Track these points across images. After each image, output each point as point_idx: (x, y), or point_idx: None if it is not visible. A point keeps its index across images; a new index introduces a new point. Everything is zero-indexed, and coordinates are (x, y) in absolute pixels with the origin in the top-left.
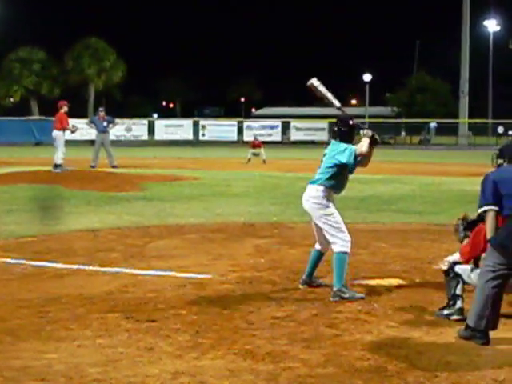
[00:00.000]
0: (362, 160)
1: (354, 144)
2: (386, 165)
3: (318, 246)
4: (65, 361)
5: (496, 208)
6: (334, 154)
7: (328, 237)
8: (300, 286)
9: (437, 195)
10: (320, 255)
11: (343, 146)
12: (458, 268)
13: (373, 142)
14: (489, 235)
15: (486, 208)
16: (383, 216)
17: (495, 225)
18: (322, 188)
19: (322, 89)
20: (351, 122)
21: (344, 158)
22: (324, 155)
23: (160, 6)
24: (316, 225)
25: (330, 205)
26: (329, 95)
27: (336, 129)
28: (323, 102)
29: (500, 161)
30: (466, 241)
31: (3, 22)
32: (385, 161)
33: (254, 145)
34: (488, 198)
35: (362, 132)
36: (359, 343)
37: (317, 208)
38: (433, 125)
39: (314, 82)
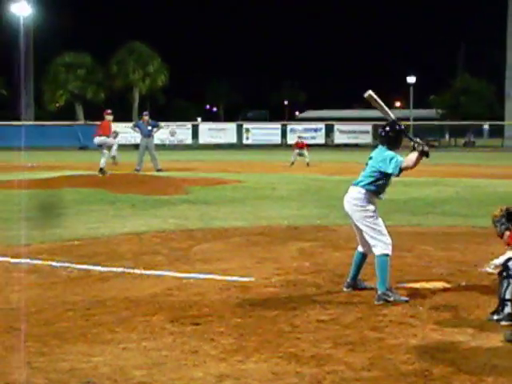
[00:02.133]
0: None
1: (399, 151)
2: (430, 167)
3: (360, 249)
4: (110, 363)
5: None
6: (380, 159)
7: (369, 239)
8: (344, 289)
9: (482, 198)
10: (363, 257)
11: (390, 154)
12: (511, 266)
13: (422, 155)
14: None
15: None
16: (428, 218)
17: None
18: (364, 191)
19: (379, 100)
20: (398, 127)
21: (389, 169)
22: (370, 158)
23: (204, 10)
24: (357, 227)
25: (372, 207)
26: (385, 107)
27: (383, 134)
28: (381, 112)
29: None
30: (507, 233)
31: (49, 28)
32: (429, 163)
33: (299, 145)
34: None
35: (412, 144)
36: (404, 347)
37: (358, 210)
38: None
39: (372, 93)
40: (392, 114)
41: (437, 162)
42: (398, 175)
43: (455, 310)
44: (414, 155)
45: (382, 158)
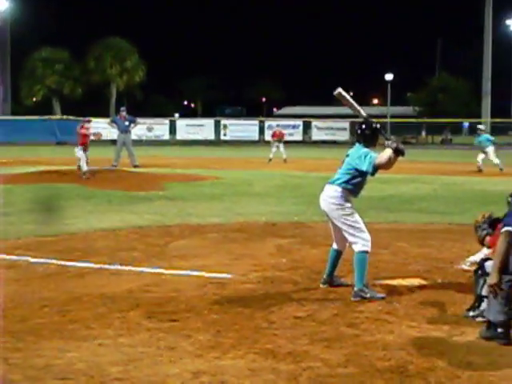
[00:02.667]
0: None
1: (375, 149)
2: (408, 164)
3: (335, 246)
4: (86, 360)
5: None
6: (356, 156)
7: (348, 237)
8: (321, 286)
9: (459, 195)
10: (338, 254)
11: (365, 151)
12: (487, 265)
13: (396, 154)
14: (499, 257)
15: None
16: (404, 216)
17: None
18: (340, 189)
19: (349, 98)
20: (375, 125)
21: (364, 167)
22: (346, 156)
23: (181, 6)
24: (333, 224)
25: (349, 205)
26: (356, 105)
27: (359, 131)
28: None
29: None
30: (488, 238)
31: (27, 22)
32: (406, 160)
33: (276, 135)
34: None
35: (386, 143)
36: (380, 343)
37: (336, 208)
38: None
39: (341, 91)
40: (363, 112)
41: (414, 159)
42: (373, 174)
43: (431, 306)
44: (386, 152)
45: (358, 155)
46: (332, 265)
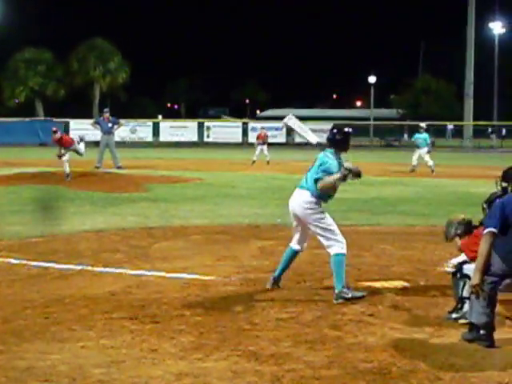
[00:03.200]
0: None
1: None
2: (391, 167)
3: (295, 246)
4: (68, 361)
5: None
6: (317, 165)
7: (322, 240)
8: (268, 287)
9: (442, 197)
10: (296, 254)
11: (324, 164)
12: (466, 268)
13: (344, 178)
14: (481, 258)
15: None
16: (387, 218)
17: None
18: (312, 194)
19: (298, 128)
20: (346, 130)
21: (315, 175)
22: (315, 160)
23: (164, 8)
24: (300, 226)
25: (321, 208)
26: (305, 133)
27: (331, 137)
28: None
29: (504, 184)
30: (459, 241)
31: (9, 23)
32: (389, 163)
33: (261, 137)
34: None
35: (344, 164)
36: (363, 345)
37: (310, 213)
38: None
39: (288, 120)
40: (313, 138)
41: (397, 161)
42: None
43: (414, 308)
44: (332, 176)
45: (319, 163)
46: (286, 264)
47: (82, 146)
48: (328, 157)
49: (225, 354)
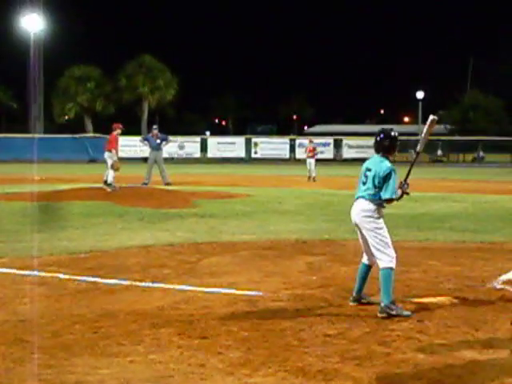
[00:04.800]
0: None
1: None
2: (439, 182)
3: (366, 261)
4: (117, 376)
5: None
6: (381, 175)
7: (375, 252)
8: (350, 304)
9: (490, 213)
10: (368, 269)
11: (388, 173)
12: None
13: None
14: None
15: None
16: (435, 234)
17: None
18: (372, 202)
19: (425, 129)
20: (393, 134)
21: (387, 194)
22: (368, 170)
23: (213, 25)
24: (364, 239)
25: (381, 219)
26: (423, 139)
27: (379, 141)
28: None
29: None
30: None
31: (60, 41)
32: (437, 178)
33: (309, 150)
34: None
35: (402, 187)
36: (411, 362)
37: (369, 221)
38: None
39: (433, 119)
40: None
41: (445, 177)
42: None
43: (463, 325)
44: (397, 194)
45: (383, 174)
46: (362, 280)
47: (111, 172)
48: (391, 169)
49: (272, 370)
